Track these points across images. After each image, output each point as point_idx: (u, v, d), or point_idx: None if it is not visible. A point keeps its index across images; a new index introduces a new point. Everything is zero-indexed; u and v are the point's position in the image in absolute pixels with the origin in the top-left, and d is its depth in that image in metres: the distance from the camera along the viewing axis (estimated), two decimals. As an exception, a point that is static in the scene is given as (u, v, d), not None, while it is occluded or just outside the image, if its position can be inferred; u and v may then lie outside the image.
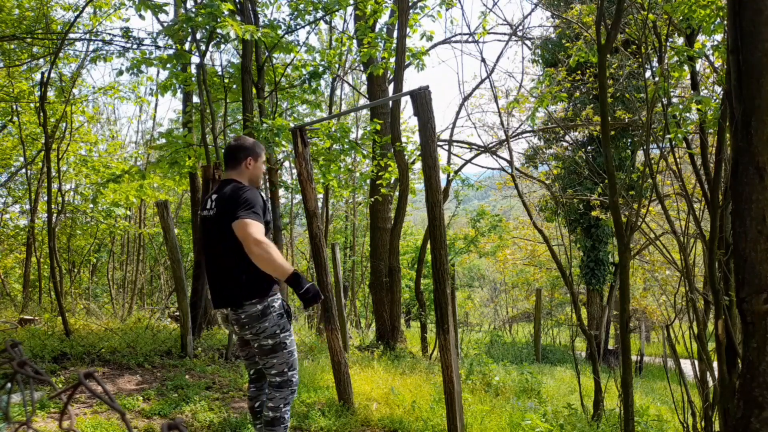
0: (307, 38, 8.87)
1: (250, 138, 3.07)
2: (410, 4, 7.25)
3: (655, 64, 5.67)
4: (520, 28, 10.32)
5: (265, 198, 2.93)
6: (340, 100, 16.56)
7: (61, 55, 8.65)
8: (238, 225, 2.65)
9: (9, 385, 0.94)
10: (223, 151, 3.04)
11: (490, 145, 10.77)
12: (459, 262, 18.13)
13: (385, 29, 8.69)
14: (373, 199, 9.05)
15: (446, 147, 9.98)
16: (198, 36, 6.61)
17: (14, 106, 9.90)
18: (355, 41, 8.98)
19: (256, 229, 2.65)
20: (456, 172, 9.80)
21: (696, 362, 3.59)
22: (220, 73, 7.60)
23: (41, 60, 9.63)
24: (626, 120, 9.70)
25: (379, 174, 8.18)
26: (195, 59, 7.16)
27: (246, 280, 2.78)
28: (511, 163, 7.04)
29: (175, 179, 9.12)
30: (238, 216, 2.66)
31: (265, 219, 2.80)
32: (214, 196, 2.89)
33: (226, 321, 2.90)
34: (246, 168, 2.97)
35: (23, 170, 11.87)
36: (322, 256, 4.27)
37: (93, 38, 8.12)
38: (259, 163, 3.00)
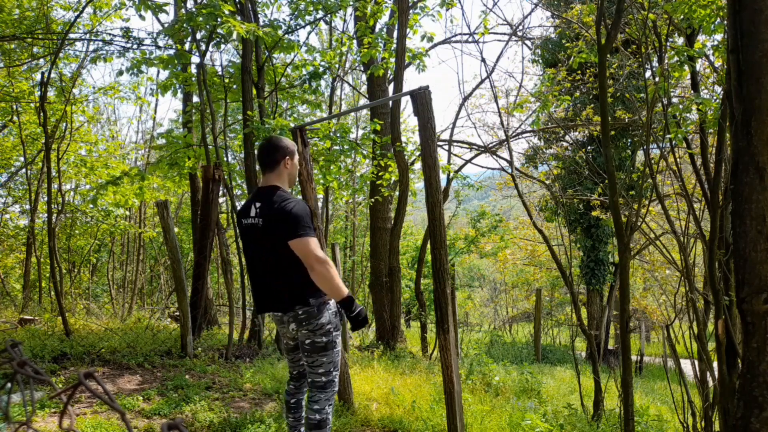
0: (307, 38, 8.84)
1: (282, 137, 3.03)
2: (410, 4, 7.24)
3: (655, 64, 5.66)
4: (520, 28, 10.31)
5: (310, 206, 2.92)
6: (340, 100, 16.56)
7: (61, 55, 8.64)
8: (298, 244, 2.71)
9: (9, 385, 0.94)
10: (257, 152, 2.99)
11: (490, 145, 10.77)
12: (459, 262, 18.12)
13: (385, 29, 8.69)
14: (373, 200, 9.05)
15: (446, 147, 9.98)
16: (198, 36, 6.61)
17: (14, 106, 9.90)
18: (355, 41, 8.97)
19: (315, 245, 2.72)
20: (456, 172, 9.80)
21: (696, 362, 3.59)
22: (220, 73, 7.60)
23: (41, 60, 9.63)
24: (626, 120, 9.69)
25: (379, 174, 8.17)
26: (195, 59, 7.16)
27: (301, 285, 2.80)
28: (511, 163, 7.05)
29: (175, 180, 9.11)
30: (297, 234, 2.70)
31: (316, 225, 2.84)
32: (257, 204, 2.86)
33: (282, 324, 2.88)
34: (284, 168, 2.95)
35: (23, 170, 11.88)
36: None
37: (93, 38, 8.12)
38: (295, 161, 2.98)
